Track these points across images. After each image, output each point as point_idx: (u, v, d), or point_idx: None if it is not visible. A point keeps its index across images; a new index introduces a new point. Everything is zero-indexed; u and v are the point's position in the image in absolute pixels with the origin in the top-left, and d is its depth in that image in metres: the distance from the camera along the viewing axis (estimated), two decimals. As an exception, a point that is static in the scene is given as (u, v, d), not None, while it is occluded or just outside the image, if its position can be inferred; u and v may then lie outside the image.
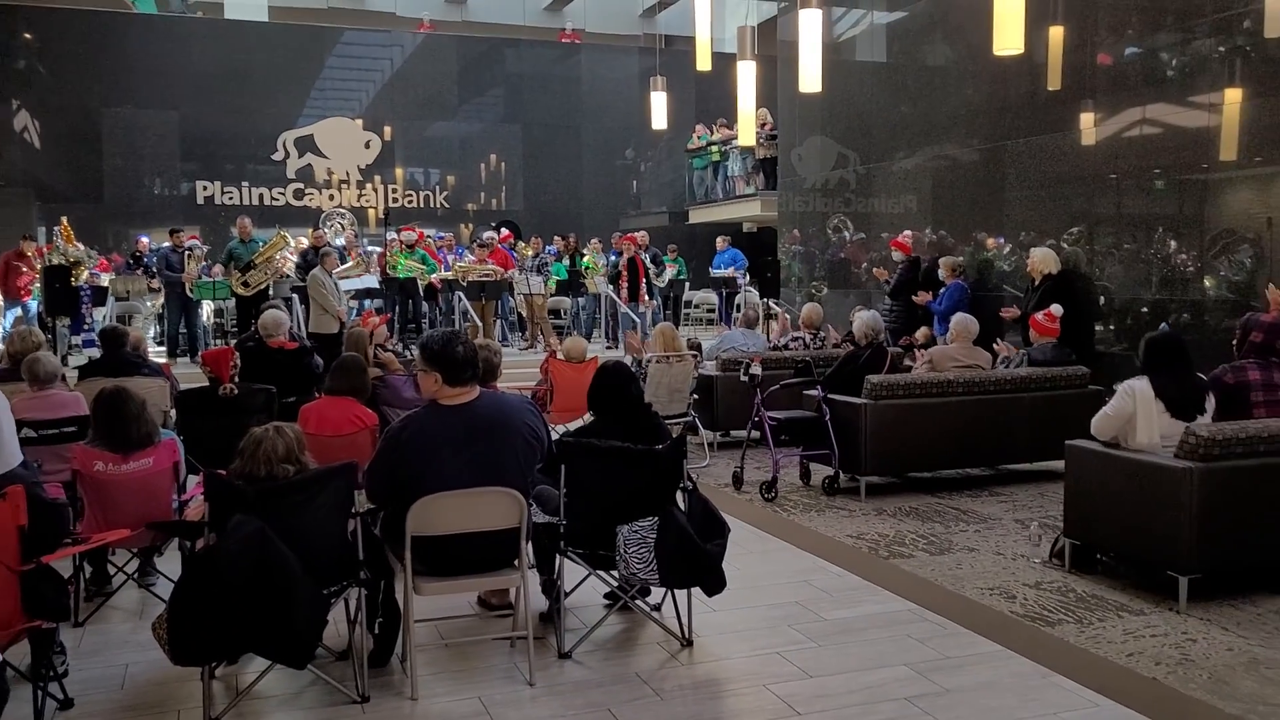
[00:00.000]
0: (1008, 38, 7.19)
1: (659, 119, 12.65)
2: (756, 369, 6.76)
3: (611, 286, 13.31)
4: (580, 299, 14.37)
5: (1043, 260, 8.78)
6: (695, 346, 9.08)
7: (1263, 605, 4.70)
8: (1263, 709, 3.74)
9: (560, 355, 7.32)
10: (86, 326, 12.18)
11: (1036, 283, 8.77)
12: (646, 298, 13.08)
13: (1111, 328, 8.75)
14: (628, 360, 7.66)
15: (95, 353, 9.09)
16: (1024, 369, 7.28)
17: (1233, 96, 7.83)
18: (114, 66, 17.70)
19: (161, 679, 4.03)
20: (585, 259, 14.46)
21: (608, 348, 12.93)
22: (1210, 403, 4.94)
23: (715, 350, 8.95)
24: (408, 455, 3.77)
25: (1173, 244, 8.34)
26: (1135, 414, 4.87)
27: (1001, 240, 10.06)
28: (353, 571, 3.82)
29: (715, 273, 15.41)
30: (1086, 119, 9.07)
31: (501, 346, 5.89)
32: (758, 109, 13.72)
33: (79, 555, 4.59)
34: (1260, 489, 4.68)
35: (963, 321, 7.52)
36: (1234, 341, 5.37)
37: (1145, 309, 8.50)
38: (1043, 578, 5.14)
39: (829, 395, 6.84)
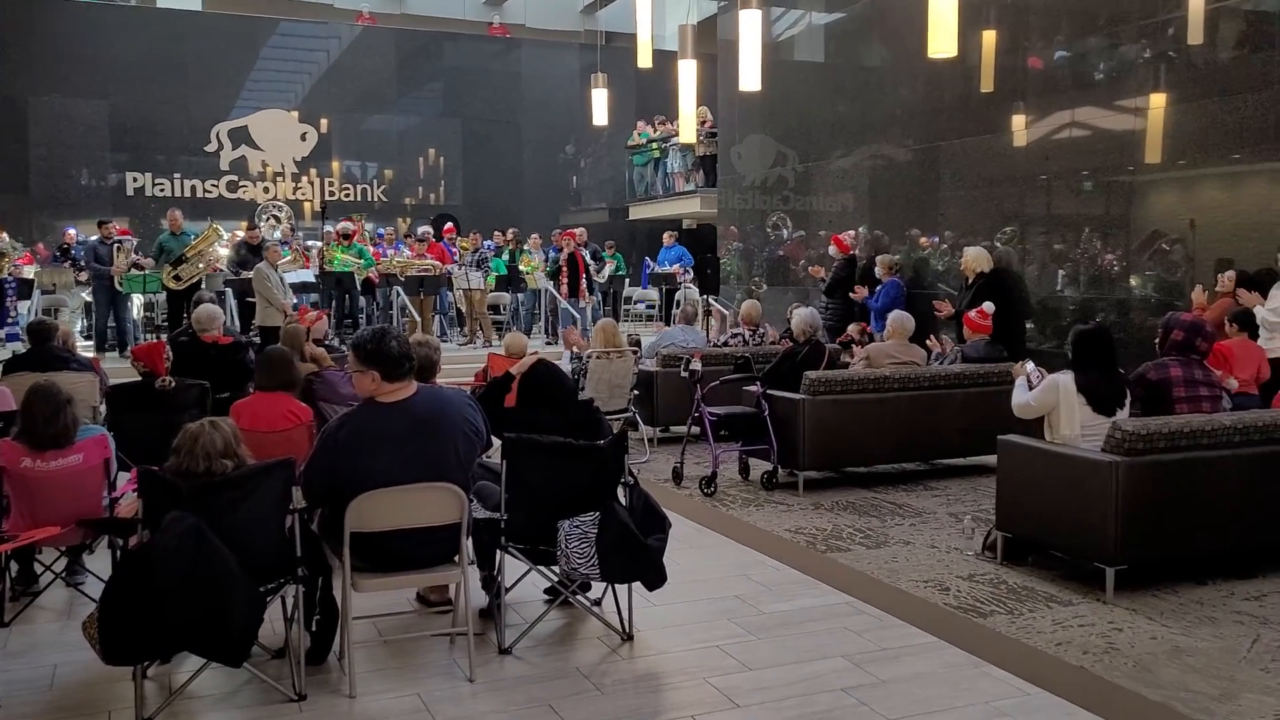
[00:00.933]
0: (941, 40, 7.26)
1: (599, 115, 12.68)
2: (696, 365, 6.83)
3: (552, 282, 13.30)
4: (520, 294, 14.33)
5: (975, 259, 8.91)
6: (635, 343, 9.00)
7: (1185, 595, 4.79)
8: (1184, 695, 3.82)
9: (501, 351, 7.39)
10: (11, 320, 11.97)
11: (970, 281, 8.89)
12: (586, 293, 13.19)
13: (1042, 325, 8.82)
14: (566, 355, 7.84)
15: (20, 347, 8.98)
16: (957, 366, 7.36)
17: (1157, 101, 7.94)
18: (42, 54, 17.33)
19: (92, 679, 3.96)
20: (525, 257, 14.46)
21: (548, 343, 12.91)
22: (1128, 399, 5.04)
23: (655, 346, 8.95)
24: (346, 454, 3.69)
25: (1099, 244, 8.43)
26: (1059, 406, 4.96)
27: (936, 239, 10.13)
28: (290, 568, 3.76)
29: (658, 269, 15.42)
30: (1018, 121, 9.16)
31: (440, 343, 5.84)
32: (698, 106, 13.92)
33: (4, 554, 4.54)
34: (1182, 483, 4.78)
35: (899, 318, 7.60)
36: (1156, 340, 5.46)
37: (1074, 307, 8.59)
38: (976, 570, 5.19)
39: (768, 391, 6.86)
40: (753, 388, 6.92)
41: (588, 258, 13.87)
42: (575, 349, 8.03)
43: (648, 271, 16.30)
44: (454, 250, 14.23)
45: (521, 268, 14.15)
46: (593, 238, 15.31)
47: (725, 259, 13.62)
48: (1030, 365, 5.31)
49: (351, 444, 3.73)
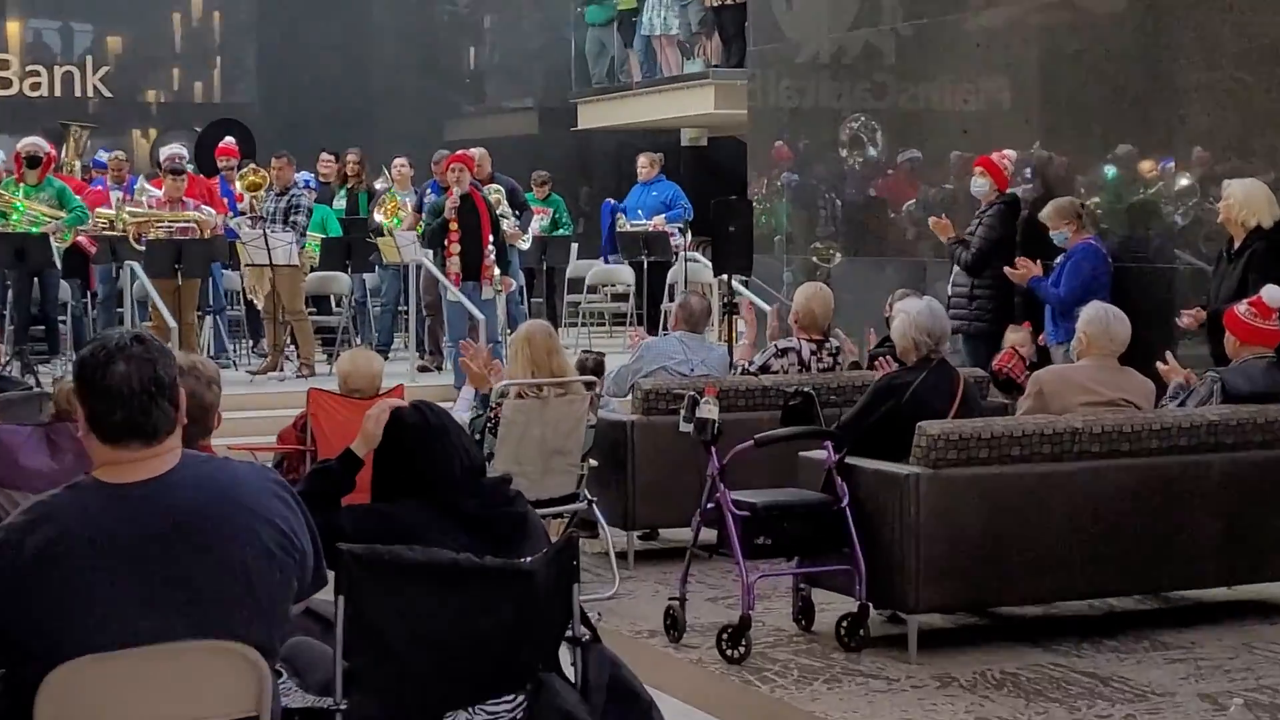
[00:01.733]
0: None
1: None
2: (710, 408, 6.83)
3: (431, 252, 13.44)
4: (369, 275, 14.78)
5: (1249, 203, 8.99)
6: (592, 367, 9.10)
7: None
8: None
9: (338, 385, 7.80)
10: None
11: (1236, 245, 9.07)
12: (495, 272, 13.20)
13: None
14: (463, 396, 8.00)
15: None
16: (1215, 408, 7.59)
17: None
18: None
19: None
20: (384, 203, 14.66)
21: (421, 368, 13.37)
22: None
23: (630, 374, 9.06)
24: (35, 585, 3.65)
25: None
26: None
27: (1170, 164, 10.40)
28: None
29: (630, 225, 15.76)
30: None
31: (217, 369, 5.59)
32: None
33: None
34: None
35: (1100, 319, 7.77)
36: None
37: None
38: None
39: (847, 459, 7.03)
40: (818, 452, 7.06)
41: (501, 205, 13.99)
42: (479, 382, 8.12)
43: (611, 229, 16.80)
44: (236, 192, 14.57)
45: (376, 220, 14.52)
46: (510, 166, 15.60)
47: (762, 206, 13.87)
48: None
49: (46, 564, 3.65)
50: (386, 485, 4.60)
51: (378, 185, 15.89)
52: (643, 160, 16.45)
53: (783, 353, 9.22)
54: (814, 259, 13.16)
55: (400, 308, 15.03)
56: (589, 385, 8.22)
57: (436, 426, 4.61)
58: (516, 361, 8.03)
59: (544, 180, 16.70)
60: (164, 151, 14.59)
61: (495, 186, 14.48)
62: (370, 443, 4.62)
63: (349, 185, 15.88)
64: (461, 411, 7.71)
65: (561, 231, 16.64)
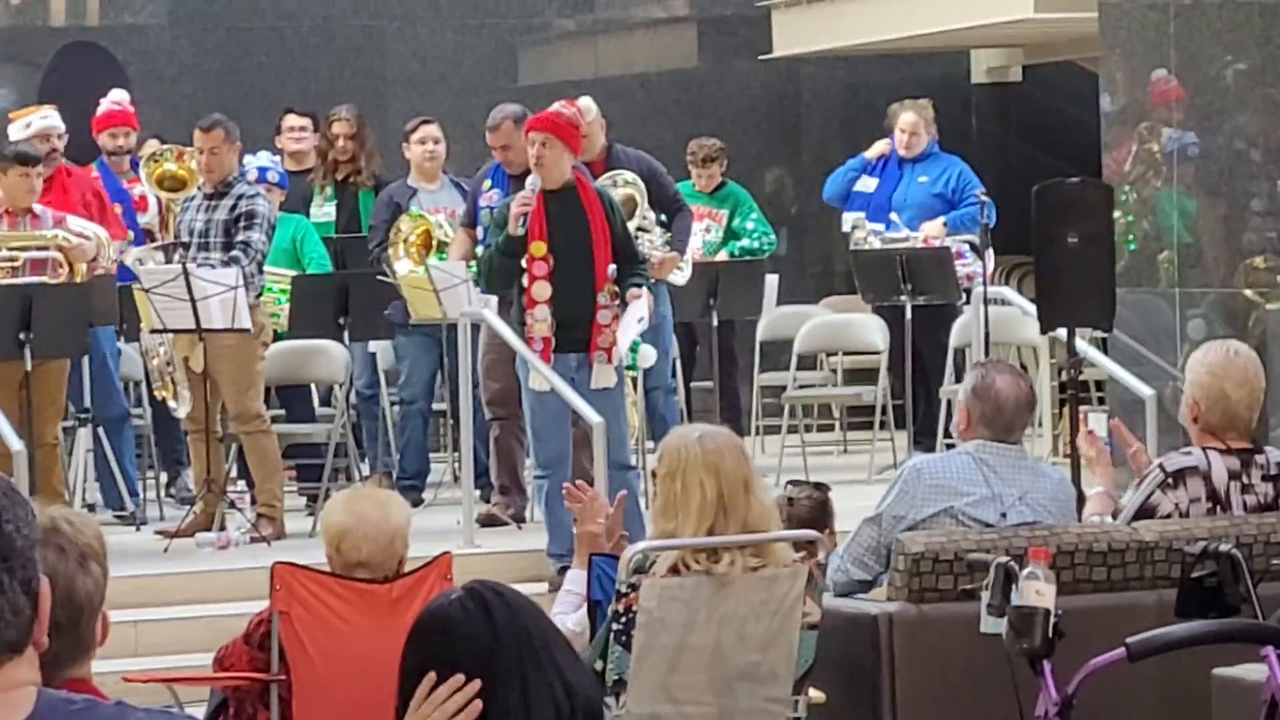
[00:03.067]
0: None
1: None
2: (1040, 588, 5.70)
3: (496, 301, 10.57)
4: (382, 344, 11.79)
5: None
6: (809, 513, 7.27)
7: None
8: None
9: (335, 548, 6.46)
10: None
11: None
12: (624, 335, 10.21)
13: None
14: (572, 583, 6.97)
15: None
16: None
17: None
18: None
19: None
20: (412, 224, 11.60)
21: (485, 520, 10.51)
22: None
23: (889, 521, 7.50)
24: None
25: None
26: None
27: None
28: None
29: (874, 237, 12.54)
30: None
31: (100, 532, 3.66)
32: None
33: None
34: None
35: None
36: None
37: None
38: None
39: None
40: (1250, 668, 6.17)
41: (637, 205, 11.14)
42: (596, 545, 6.78)
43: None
44: (136, 194, 11.94)
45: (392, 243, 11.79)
46: (646, 131, 13.59)
47: (1131, 195, 11.63)
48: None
49: None
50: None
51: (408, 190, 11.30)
52: (905, 118, 12.40)
53: (1176, 479, 7.24)
54: (1246, 292, 10.89)
55: (439, 405, 11.42)
56: (808, 547, 6.41)
57: (514, 636, 3.21)
58: (673, 505, 6.15)
59: (710, 155, 12.13)
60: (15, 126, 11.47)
61: (622, 173, 10.87)
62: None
63: (341, 175, 11.67)
64: (565, 612, 6.32)
65: (748, 249, 12.30)
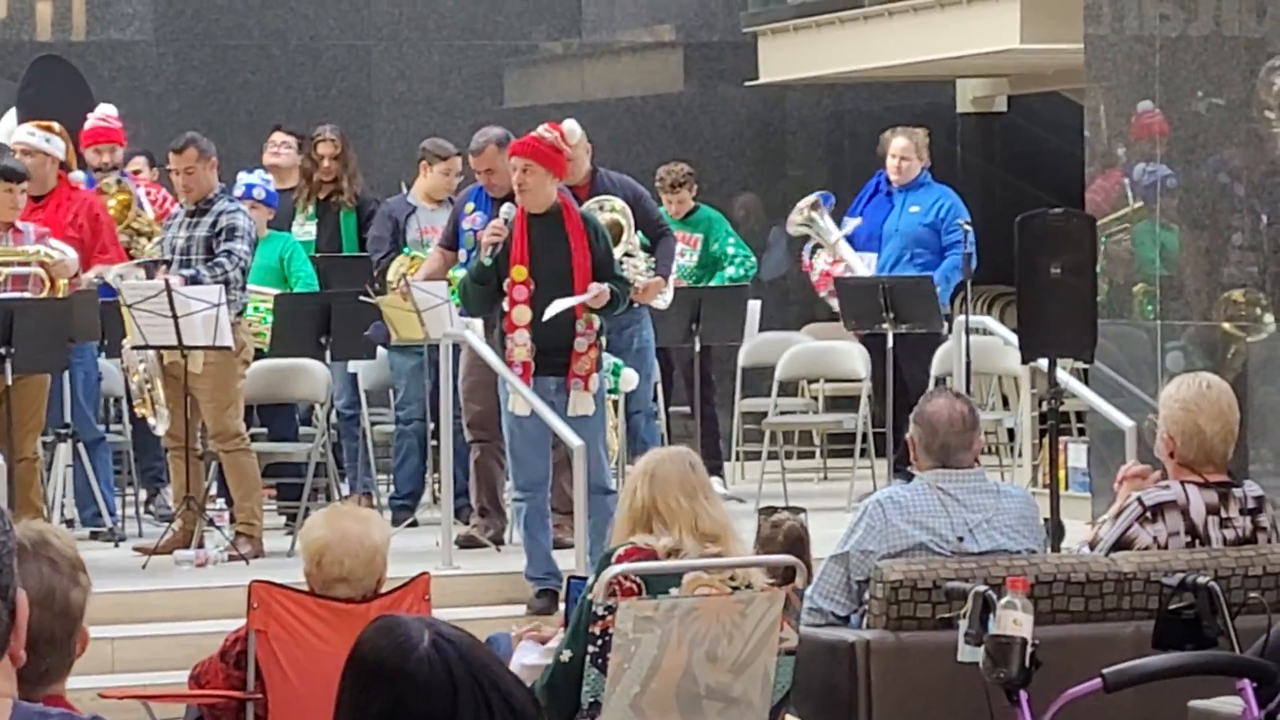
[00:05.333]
0: None
1: None
2: (1017, 618, 5.70)
3: (479, 324, 10.80)
4: (366, 363, 11.98)
5: None
6: (786, 539, 7.26)
7: None
8: None
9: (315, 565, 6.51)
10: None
11: None
12: (603, 361, 10.40)
13: None
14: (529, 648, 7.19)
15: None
16: None
17: None
18: None
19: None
20: (401, 262, 11.74)
21: (464, 542, 10.47)
22: None
23: (857, 557, 7.50)
24: None
25: None
26: None
27: None
28: None
29: (848, 264, 12.88)
30: None
31: (76, 547, 3.68)
32: None
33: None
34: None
35: None
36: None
37: None
38: None
39: None
40: (1224, 701, 6.24)
41: (623, 230, 11.24)
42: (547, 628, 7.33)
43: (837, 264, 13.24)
44: (140, 200, 12.27)
45: (390, 286, 11.81)
46: (631, 155, 13.93)
47: (1115, 225, 11.77)
48: None
49: None
50: None
51: (404, 203, 11.52)
52: (897, 143, 12.38)
53: (1154, 513, 7.31)
54: (1224, 326, 10.86)
55: (425, 421, 11.19)
56: (785, 573, 6.71)
57: (472, 692, 2.93)
58: (638, 522, 6.51)
59: (678, 180, 12.15)
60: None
61: (610, 199, 10.92)
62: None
63: (323, 195, 11.79)
64: (527, 656, 6.58)
65: (735, 277, 12.42)
